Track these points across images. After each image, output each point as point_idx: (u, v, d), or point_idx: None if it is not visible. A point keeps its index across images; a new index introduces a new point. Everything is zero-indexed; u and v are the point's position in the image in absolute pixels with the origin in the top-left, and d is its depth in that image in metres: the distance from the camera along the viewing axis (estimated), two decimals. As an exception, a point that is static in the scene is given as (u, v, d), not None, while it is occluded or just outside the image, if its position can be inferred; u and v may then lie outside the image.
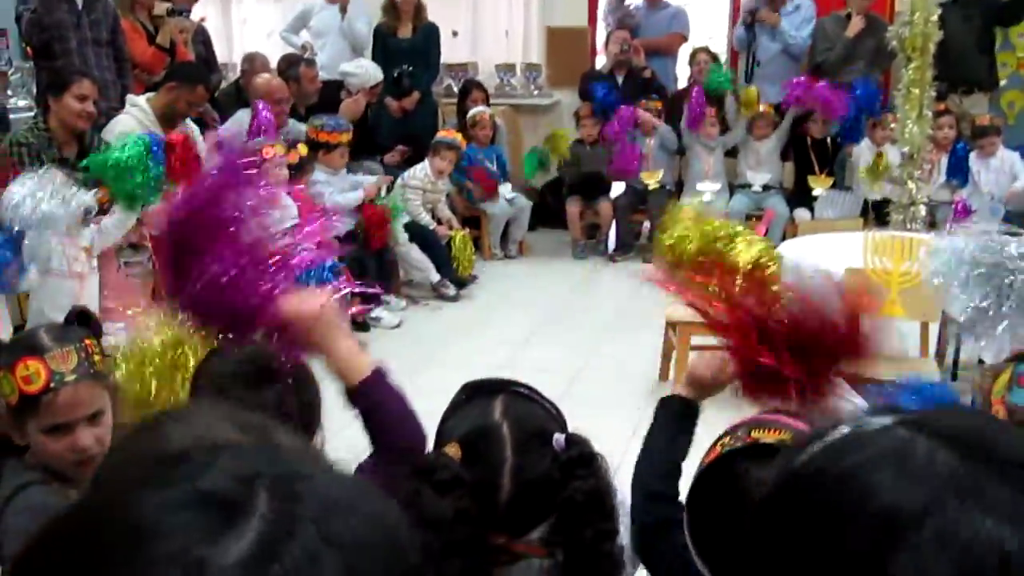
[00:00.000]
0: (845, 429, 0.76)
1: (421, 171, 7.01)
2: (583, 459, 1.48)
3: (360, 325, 5.96)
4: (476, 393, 1.58)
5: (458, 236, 6.89)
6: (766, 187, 7.76)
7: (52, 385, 1.88)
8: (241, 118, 6.38)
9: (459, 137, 7.22)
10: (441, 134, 7.10)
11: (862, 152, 7.33)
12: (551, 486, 1.46)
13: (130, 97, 5.73)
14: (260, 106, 6.13)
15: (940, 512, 0.66)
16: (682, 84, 8.60)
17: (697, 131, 7.79)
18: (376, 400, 1.62)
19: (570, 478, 1.46)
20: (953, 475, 0.68)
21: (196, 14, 7.38)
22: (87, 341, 1.98)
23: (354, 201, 6.29)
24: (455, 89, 8.60)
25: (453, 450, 1.43)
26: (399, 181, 6.92)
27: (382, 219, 6.32)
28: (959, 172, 7.20)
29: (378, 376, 1.64)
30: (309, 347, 1.59)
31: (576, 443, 1.51)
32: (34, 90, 6.43)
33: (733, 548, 1.38)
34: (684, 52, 8.61)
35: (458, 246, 6.83)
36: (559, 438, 1.51)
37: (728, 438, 1.51)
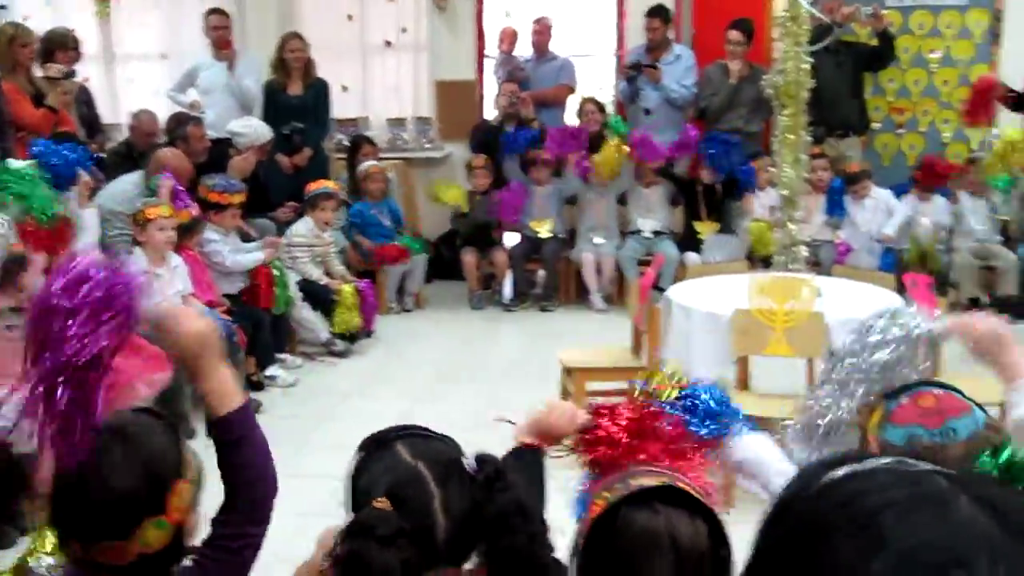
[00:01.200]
0: (883, 461, 0.75)
1: (304, 227, 6.96)
2: (498, 474, 1.54)
3: (255, 384, 5.89)
4: (376, 446, 1.59)
5: (344, 291, 6.82)
6: (657, 232, 7.93)
7: None
8: (131, 180, 6.27)
9: (332, 183, 7.20)
10: (312, 187, 7.05)
11: (758, 202, 7.61)
12: (478, 509, 1.50)
13: (9, 163, 5.59)
14: (165, 175, 6.02)
15: (969, 567, 0.66)
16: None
17: (586, 180, 7.93)
18: (241, 435, 1.65)
19: (492, 494, 1.50)
20: (989, 538, 0.68)
21: (79, 75, 7.27)
22: None
23: (253, 262, 6.22)
24: (346, 144, 8.62)
25: (382, 503, 1.45)
26: (284, 240, 6.87)
27: (269, 281, 6.27)
28: (838, 207, 7.54)
29: (247, 410, 1.66)
30: (188, 367, 1.62)
31: (486, 461, 1.57)
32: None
33: None
34: (572, 103, 8.79)
35: (345, 301, 6.78)
36: (470, 462, 1.55)
37: (608, 492, 1.56)
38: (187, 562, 1.65)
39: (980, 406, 1.71)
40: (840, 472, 0.75)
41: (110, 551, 1.55)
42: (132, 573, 1.60)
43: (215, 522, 1.68)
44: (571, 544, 1.57)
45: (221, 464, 1.67)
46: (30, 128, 6.24)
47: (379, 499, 1.47)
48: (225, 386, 1.65)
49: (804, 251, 5.17)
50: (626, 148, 7.80)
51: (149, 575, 1.61)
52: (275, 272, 6.32)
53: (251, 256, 6.24)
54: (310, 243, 6.91)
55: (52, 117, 6.31)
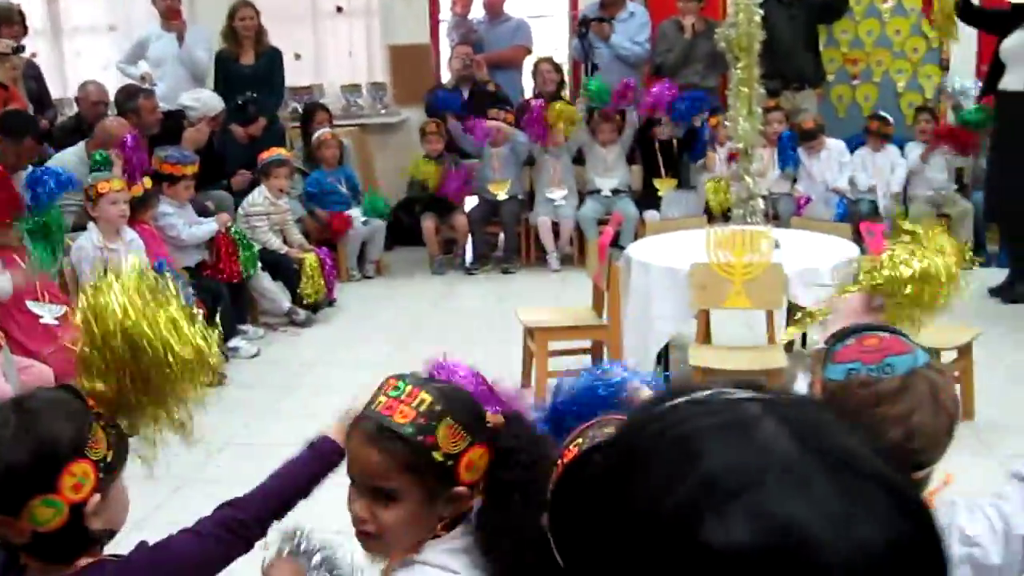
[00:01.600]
0: (700, 394, 0.77)
1: (259, 196, 6.89)
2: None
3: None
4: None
5: (308, 260, 6.79)
6: (615, 191, 7.93)
7: None
8: (74, 152, 6.19)
9: (284, 151, 7.14)
10: (264, 155, 6.97)
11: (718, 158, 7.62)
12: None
13: None
14: (129, 141, 5.92)
15: (760, 488, 0.68)
16: (528, 95, 8.72)
17: (542, 143, 7.90)
18: (318, 449, 1.83)
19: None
20: (786, 455, 0.70)
21: (27, 50, 7.14)
22: None
23: (208, 233, 6.17)
24: (300, 112, 8.54)
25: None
26: (240, 211, 6.81)
27: (233, 249, 6.22)
28: (791, 160, 7.58)
29: (338, 450, 1.79)
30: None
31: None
32: None
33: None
34: (528, 64, 8.75)
35: (307, 271, 6.75)
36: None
37: (580, 439, 1.56)
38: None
39: (925, 350, 1.73)
40: (662, 405, 0.77)
41: (4, 526, 1.54)
42: (38, 554, 1.59)
43: (228, 505, 1.78)
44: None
45: (286, 462, 1.85)
46: (-23, 107, 6.13)
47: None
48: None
49: (761, 204, 5.19)
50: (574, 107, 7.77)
51: (56, 558, 1.60)
52: (236, 238, 6.28)
53: (205, 227, 6.18)
54: (266, 211, 6.84)
55: (2, 94, 6.20)
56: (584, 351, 5.31)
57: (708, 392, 0.77)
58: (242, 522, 1.72)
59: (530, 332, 5.12)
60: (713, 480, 0.68)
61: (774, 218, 6.97)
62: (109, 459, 1.60)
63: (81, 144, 6.25)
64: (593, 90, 7.79)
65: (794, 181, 7.72)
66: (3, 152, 5.41)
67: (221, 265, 6.20)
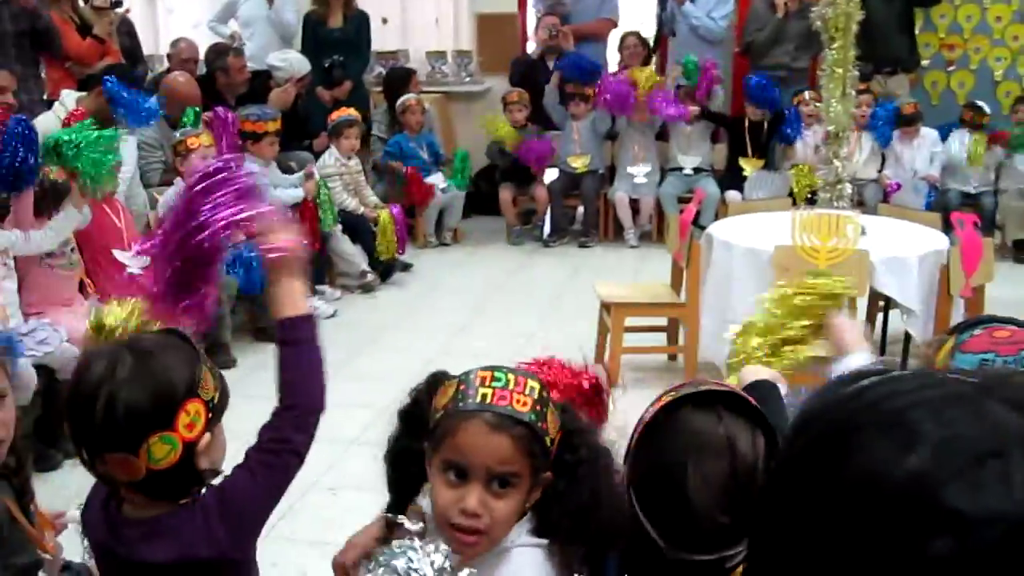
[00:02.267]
0: (909, 371, 0.77)
1: (330, 158, 6.91)
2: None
3: (295, 316, 5.92)
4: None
5: (382, 216, 6.79)
6: (697, 169, 7.84)
7: None
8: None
9: (352, 111, 7.13)
10: (334, 116, 6.99)
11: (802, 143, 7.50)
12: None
13: (63, 94, 5.61)
14: (221, 110, 6.00)
15: (1004, 457, 0.67)
16: (612, 69, 8.64)
17: (627, 116, 7.82)
18: (300, 338, 1.74)
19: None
20: (1021, 432, 0.69)
21: (122, 5, 7.25)
22: None
23: (292, 199, 6.21)
24: (385, 76, 8.56)
25: None
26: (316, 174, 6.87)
27: (314, 215, 6.28)
28: (883, 137, 7.42)
29: (310, 319, 1.75)
30: (269, 272, 1.75)
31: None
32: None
33: (676, 494, 1.42)
34: (614, 37, 8.66)
35: (381, 227, 6.74)
36: None
37: (672, 392, 1.57)
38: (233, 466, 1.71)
39: None
40: (866, 380, 0.76)
41: (120, 464, 1.58)
42: (148, 491, 1.63)
43: (263, 428, 1.73)
44: (627, 444, 1.58)
45: (278, 365, 1.74)
46: (77, 59, 6.25)
47: None
48: (295, 295, 1.75)
49: (849, 189, 5.08)
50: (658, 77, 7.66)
51: (165, 495, 1.64)
52: (321, 198, 6.34)
53: (290, 192, 6.21)
54: (338, 172, 6.86)
55: (99, 48, 6.31)
56: (660, 328, 5.27)
57: (914, 370, 0.78)
58: (281, 438, 1.71)
59: (606, 307, 5.09)
60: (950, 449, 0.68)
61: (859, 204, 6.83)
62: (216, 400, 1.66)
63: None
64: (688, 66, 7.68)
65: (881, 167, 7.56)
66: (104, 104, 5.50)
67: (303, 226, 6.25)
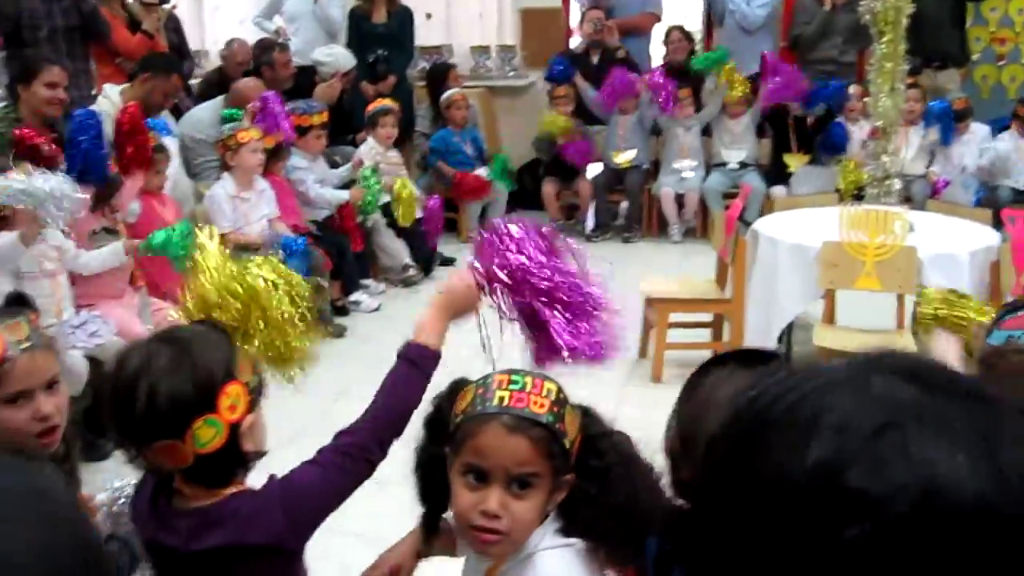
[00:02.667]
0: (789, 369, 0.79)
1: (368, 149, 6.90)
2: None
3: (340, 309, 5.96)
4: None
5: (398, 182, 6.71)
6: (742, 164, 7.78)
7: (9, 354, 1.90)
8: (210, 107, 6.32)
9: (388, 101, 7.12)
10: (371, 107, 7.02)
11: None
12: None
13: (105, 87, 5.69)
14: (270, 98, 6.02)
15: (899, 430, 0.68)
16: (656, 63, 8.59)
17: (671, 113, 7.78)
18: (421, 365, 1.83)
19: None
20: (915, 403, 0.70)
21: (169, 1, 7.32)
22: (32, 315, 2.02)
23: (337, 200, 6.24)
24: (428, 71, 8.57)
25: None
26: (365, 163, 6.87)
27: (356, 216, 6.31)
28: (948, 132, 7.28)
29: (436, 358, 1.86)
30: (437, 304, 1.92)
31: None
32: (5, 79, 6.37)
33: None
34: (658, 31, 8.62)
35: (396, 193, 6.66)
36: None
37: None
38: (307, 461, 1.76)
39: None
40: (754, 390, 0.79)
41: (168, 452, 1.61)
42: (197, 478, 1.67)
43: (344, 432, 1.78)
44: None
45: (388, 378, 1.83)
46: (127, 54, 6.32)
47: None
48: (439, 331, 1.90)
49: (897, 184, 5.02)
50: (738, 76, 7.60)
51: (213, 480, 1.68)
52: (371, 182, 6.36)
53: (336, 193, 6.24)
54: (376, 163, 6.87)
55: (148, 43, 6.38)
56: (704, 324, 5.23)
57: (781, 372, 0.79)
58: (362, 446, 1.76)
59: (650, 303, 5.07)
60: (844, 432, 0.69)
61: (906, 200, 6.74)
62: (254, 384, 1.70)
63: (219, 99, 6.39)
64: (703, 60, 7.67)
65: (930, 163, 7.46)
66: (151, 90, 5.57)
67: (345, 224, 6.28)
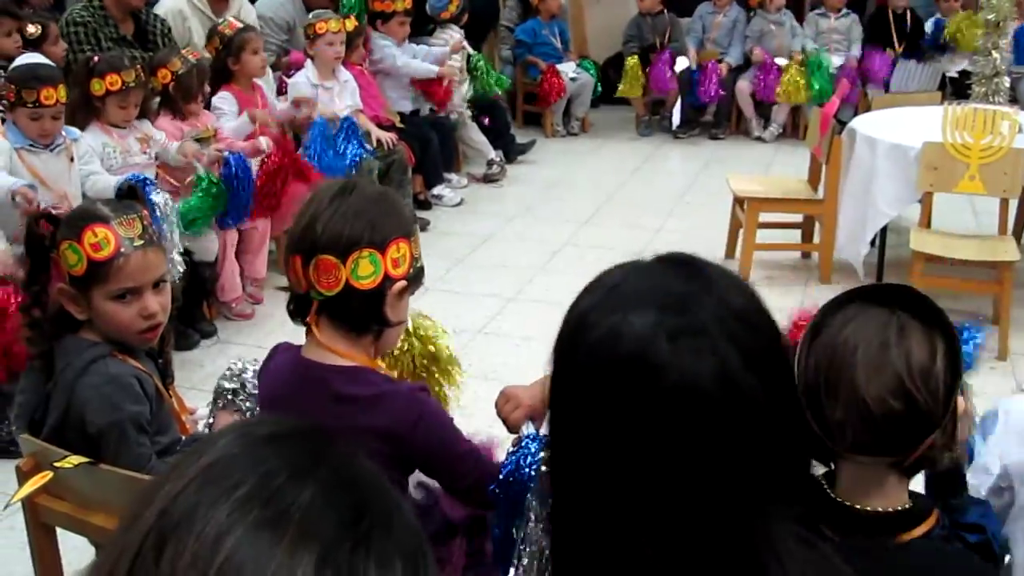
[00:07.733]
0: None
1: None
2: None
3: (422, 203, 5.92)
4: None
5: (474, 56, 6.64)
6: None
7: (122, 250, 1.92)
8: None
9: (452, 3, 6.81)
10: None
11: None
12: None
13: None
14: None
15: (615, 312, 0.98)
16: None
17: (764, 9, 7.53)
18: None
19: None
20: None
21: None
22: (143, 211, 2.03)
23: (426, 73, 6.12)
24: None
25: None
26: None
27: (447, 87, 6.23)
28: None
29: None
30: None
31: None
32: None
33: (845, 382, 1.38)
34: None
35: (474, 62, 6.60)
36: None
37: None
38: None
39: None
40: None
41: (326, 270, 1.61)
42: (335, 312, 1.67)
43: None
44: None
45: None
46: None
47: None
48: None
49: (1007, 82, 4.77)
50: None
51: (348, 320, 1.67)
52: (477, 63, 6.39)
53: (424, 65, 6.12)
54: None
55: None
56: (794, 225, 5.09)
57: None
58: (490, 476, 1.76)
59: (740, 202, 4.93)
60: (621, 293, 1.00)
61: (1012, 101, 6.43)
62: (415, 270, 1.70)
63: None
64: None
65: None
66: None
67: (437, 98, 6.23)
